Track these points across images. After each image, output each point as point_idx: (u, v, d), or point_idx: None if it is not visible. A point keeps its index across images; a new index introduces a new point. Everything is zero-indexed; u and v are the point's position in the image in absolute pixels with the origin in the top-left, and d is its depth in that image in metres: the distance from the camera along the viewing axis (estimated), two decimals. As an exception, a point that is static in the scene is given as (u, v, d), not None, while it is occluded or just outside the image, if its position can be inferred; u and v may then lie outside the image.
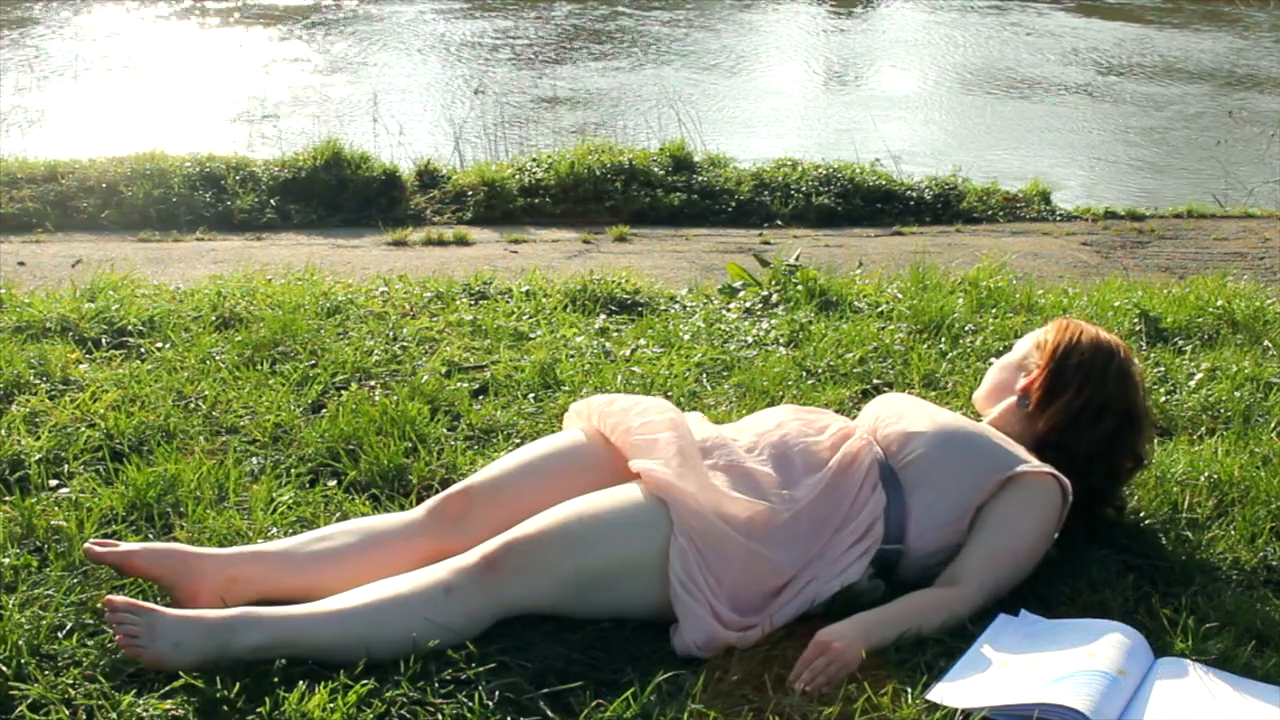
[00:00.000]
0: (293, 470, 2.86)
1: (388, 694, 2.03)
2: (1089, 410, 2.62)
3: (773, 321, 4.07)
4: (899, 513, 2.43)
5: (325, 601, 2.18)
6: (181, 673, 2.03)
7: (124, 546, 2.28)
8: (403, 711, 2.01)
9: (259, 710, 1.96)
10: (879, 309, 4.24)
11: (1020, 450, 2.55)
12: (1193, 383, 3.60)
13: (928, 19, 16.69)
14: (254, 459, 2.92)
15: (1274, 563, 2.63)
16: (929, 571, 2.43)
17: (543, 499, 2.35)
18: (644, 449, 2.39)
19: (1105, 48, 14.41)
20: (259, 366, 3.45)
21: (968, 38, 15.13)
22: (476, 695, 2.06)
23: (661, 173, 7.29)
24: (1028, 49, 14.40)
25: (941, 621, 2.30)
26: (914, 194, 7.46)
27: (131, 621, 2.06)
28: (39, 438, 2.93)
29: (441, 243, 6.27)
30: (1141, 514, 2.77)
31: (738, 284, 4.56)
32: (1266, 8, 16.96)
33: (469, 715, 2.03)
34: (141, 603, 2.11)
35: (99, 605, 2.22)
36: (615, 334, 3.95)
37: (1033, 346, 2.76)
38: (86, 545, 2.28)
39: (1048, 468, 2.51)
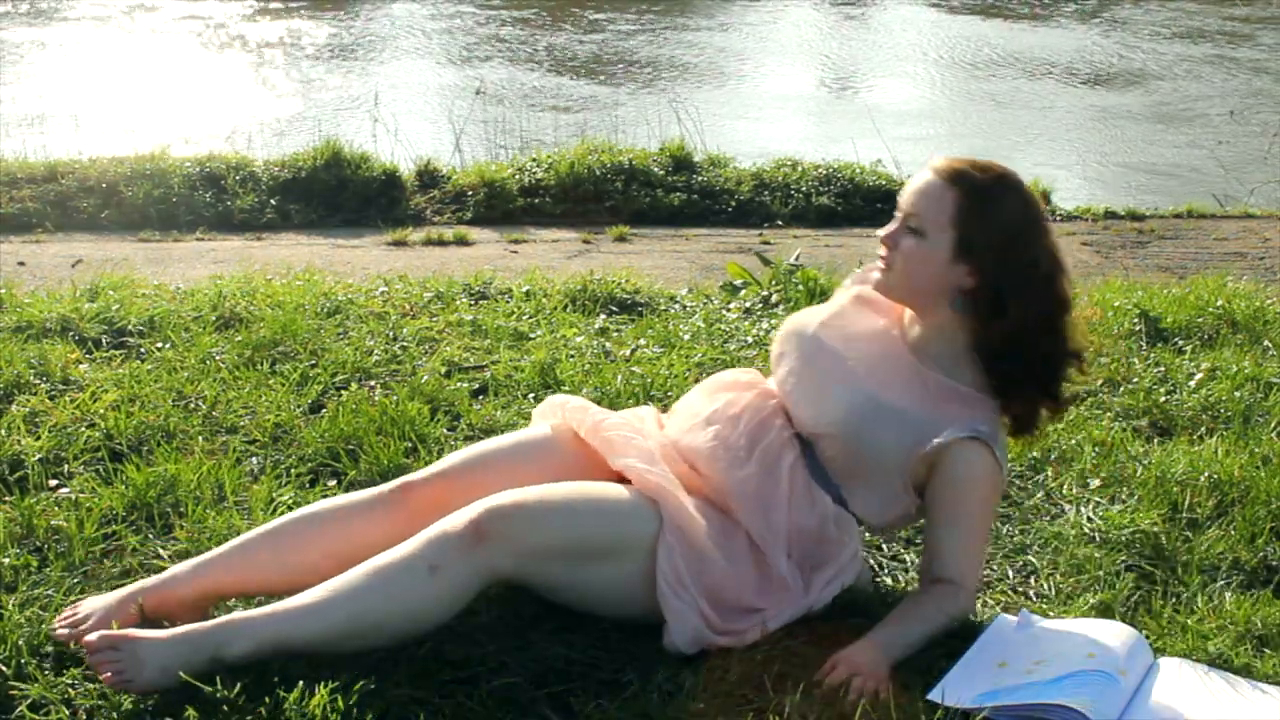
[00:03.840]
0: (293, 470, 2.86)
1: (388, 694, 2.03)
2: (1038, 298, 2.32)
3: (773, 321, 4.07)
4: (839, 504, 2.36)
5: (307, 595, 2.13)
6: (181, 673, 2.02)
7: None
8: (402, 711, 2.01)
9: (259, 710, 1.96)
10: (879, 309, 4.24)
11: (930, 408, 2.32)
12: (1193, 383, 3.60)
13: (928, 19, 16.70)
14: (254, 459, 2.92)
15: (1274, 563, 2.64)
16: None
17: (517, 485, 2.28)
18: (620, 446, 2.35)
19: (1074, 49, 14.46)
20: (259, 366, 3.45)
21: (968, 37, 15.15)
22: (476, 695, 2.06)
23: (661, 173, 7.29)
24: (1025, 49, 14.43)
25: (943, 625, 2.28)
26: (914, 194, 7.44)
27: (114, 659, 2.01)
28: (39, 438, 2.93)
29: (441, 243, 6.27)
30: (1141, 514, 2.77)
31: (738, 284, 4.56)
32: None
33: (469, 715, 2.03)
34: (117, 633, 2.04)
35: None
36: (615, 334, 3.96)
37: (951, 227, 2.31)
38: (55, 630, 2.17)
39: (967, 431, 2.28)
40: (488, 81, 11.52)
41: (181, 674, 2.00)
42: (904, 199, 2.37)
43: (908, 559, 2.63)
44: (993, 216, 2.30)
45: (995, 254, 2.30)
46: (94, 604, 2.20)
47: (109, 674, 2.01)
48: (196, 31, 14.41)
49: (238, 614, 2.12)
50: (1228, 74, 13.16)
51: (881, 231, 2.38)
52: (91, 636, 2.05)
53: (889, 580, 2.54)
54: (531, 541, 2.17)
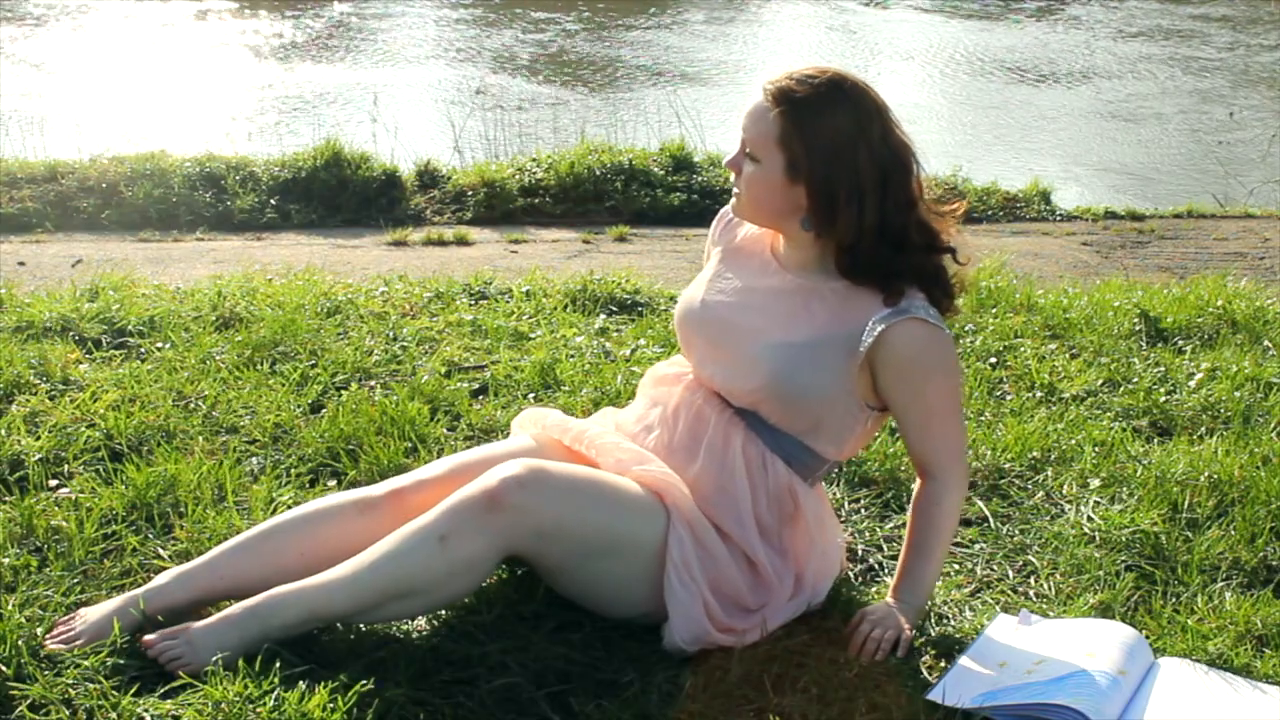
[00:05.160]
0: (293, 470, 2.86)
1: (388, 694, 2.03)
2: (872, 207, 2.20)
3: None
4: (804, 453, 2.33)
5: (341, 567, 2.15)
6: (181, 673, 2.03)
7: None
8: (402, 711, 2.01)
9: (259, 710, 1.96)
10: (879, 309, 4.24)
11: (842, 317, 2.25)
12: (1193, 383, 3.60)
13: (928, 21, 16.70)
14: (254, 459, 2.92)
15: (1274, 563, 2.64)
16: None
17: None
18: (611, 449, 2.35)
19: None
20: (259, 366, 3.45)
21: (968, 37, 15.16)
22: (476, 695, 2.06)
23: (661, 173, 7.29)
24: (1027, 48, 14.44)
25: (948, 533, 2.34)
26: (914, 194, 7.45)
27: (172, 647, 2.09)
28: (39, 438, 2.93)
29: (441, 243, 6.27)
30: (1141, 514, 2.77)
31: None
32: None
33: (469, 715, 2.03)
34: (170, 629, 2.12)
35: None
36: (615, 334, 3.96)
37: (778, 150, 2.22)
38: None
39: (884, 322, 2.20)
40: (487, 82, 11.52)
41: (233, 651, 2.06)
42: (743, 122, 2.27)
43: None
44: (814, 134, 2.19)
45: (819, 172, 2.20)
46: (88, 616, 2.20)
47: (168, 659, 2.07)
48: (192, 26, 14.41)
49: (279, 589, 2.14)
50: (1179, 73, 13.25)
51: (726, 157, 2.33)
52: (150, 636, 2.11)
53: (890, 579, 2.53)
54: (547, 514, 2.16)
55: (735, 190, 2.33)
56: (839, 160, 2.19)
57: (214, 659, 2.04)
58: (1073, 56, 14.14)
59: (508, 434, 3.07)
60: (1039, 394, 3.52)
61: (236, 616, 2.11)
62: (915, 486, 2.37)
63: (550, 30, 14.69)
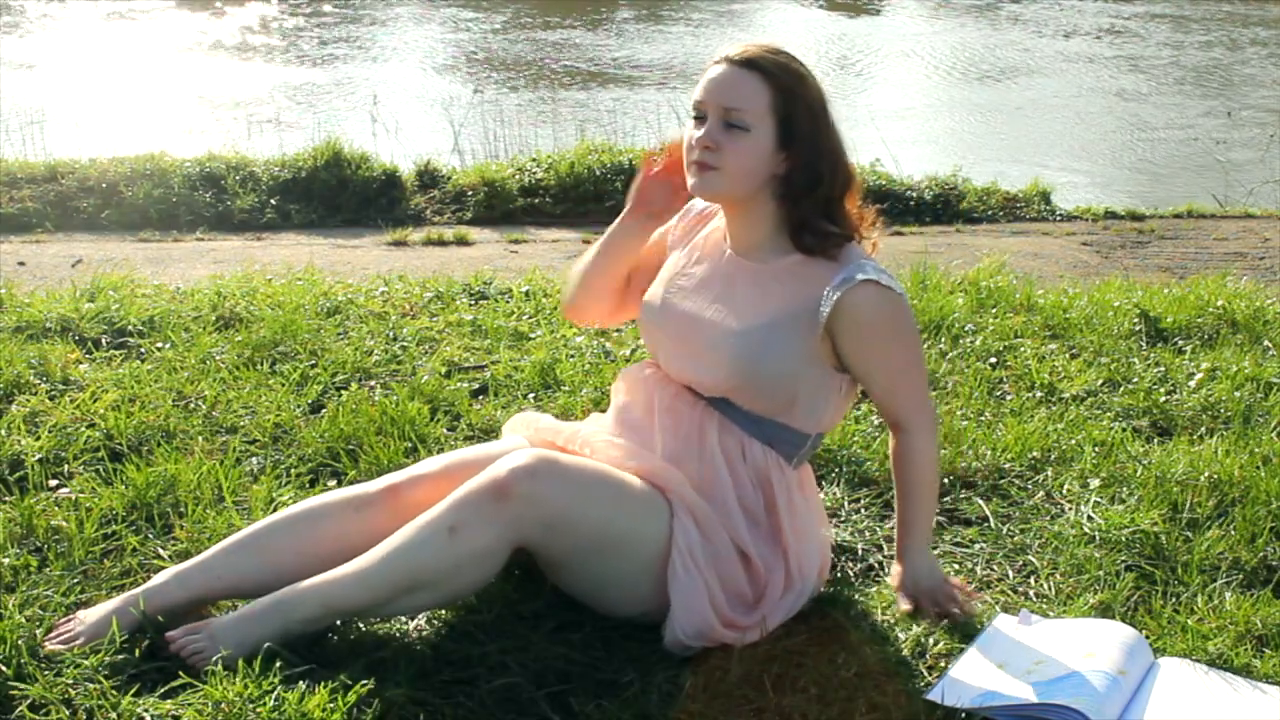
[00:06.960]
0: (293, 470, 2.86)
1: (388, 694, 2.03)
2: (841, 161, 2.31)
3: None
4: (784, 432, 2.34)
5: (356, 562, 2.16)
6: (182, 673, 2.03)
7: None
8: (402, 711, 2.01)
9: (259, 710, 1.96)
10: (879, 309, 4.23)
11: (796, 293, 2.28)
12: (1193, 383, 3.60)
13: (928, 21, 16.71)
14: (254, 459, 2.92)
15: (1274, 563, 2.64)
16: None
17: None
18: (604, 449, 2.36)
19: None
20: (259, 366, 3.45)
21: (969, 38, 15.16)
22: (476, 695, 2.06)
23: (661, 172, 7.28)
24: (1030, 47, 14.45)
25: (931, 480, 2.40)
26: (914, 194, 7.44)
27: (194, 641, 2.10)
28: (39, 438, 2.93)
29: (441, 243, 6.27)
30: (1141, 514, 2.77)
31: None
32: None
33: (469, 715, 2.03)
34: (193, 624, 2.14)
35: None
36: (615, 334, 3.96)
37: (770, 117, 2.24)
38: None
39: (839, 289, 2.23)
40: (485, 83, 11.52)
41: (253, 646, 2.07)
42: (711, 94, 2.25)
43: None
44: (802, 99, 2.25)
45: (809, 135, 2.25)
46: (87, 616, 2.21)
47: (190, 652, 2.08)
48: (191, 26, 14.42)
49: (297, 584, 2.15)
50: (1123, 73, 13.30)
51: (698, 132, 2.25)
52: (173, 632, 2.12)
53: (891, 581, 2.53)
54: (556, 504, 2.16)
55: (710, 165, 2.25)
56: (822, 124, 2.27)
57: (236, 656, 2.05)
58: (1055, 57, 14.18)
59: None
60: (1039, 394, 3.52)
61: (258, 611, 2.13)
62: (890, 443, 2.40)
63: (552, 30, 14.69)
